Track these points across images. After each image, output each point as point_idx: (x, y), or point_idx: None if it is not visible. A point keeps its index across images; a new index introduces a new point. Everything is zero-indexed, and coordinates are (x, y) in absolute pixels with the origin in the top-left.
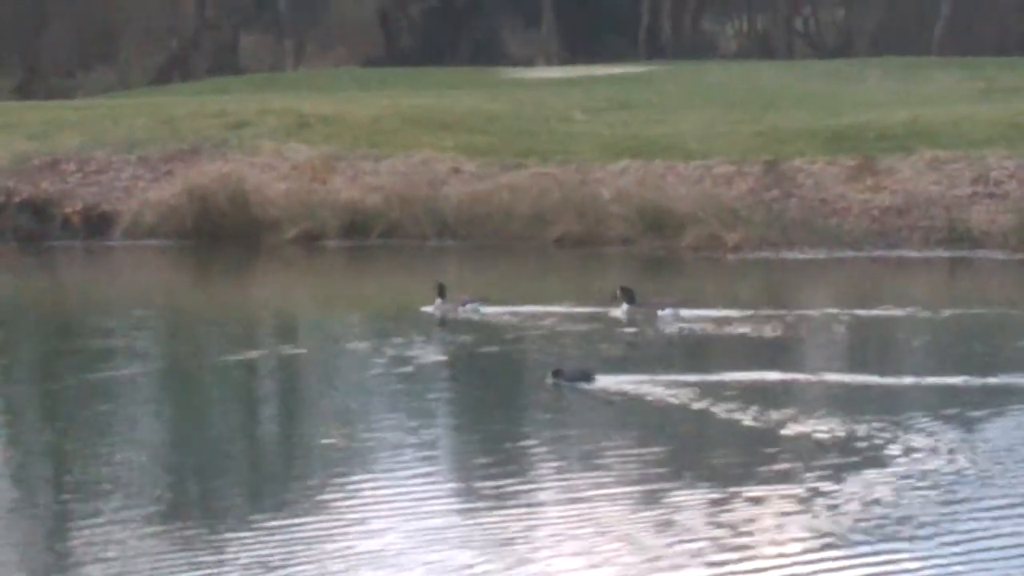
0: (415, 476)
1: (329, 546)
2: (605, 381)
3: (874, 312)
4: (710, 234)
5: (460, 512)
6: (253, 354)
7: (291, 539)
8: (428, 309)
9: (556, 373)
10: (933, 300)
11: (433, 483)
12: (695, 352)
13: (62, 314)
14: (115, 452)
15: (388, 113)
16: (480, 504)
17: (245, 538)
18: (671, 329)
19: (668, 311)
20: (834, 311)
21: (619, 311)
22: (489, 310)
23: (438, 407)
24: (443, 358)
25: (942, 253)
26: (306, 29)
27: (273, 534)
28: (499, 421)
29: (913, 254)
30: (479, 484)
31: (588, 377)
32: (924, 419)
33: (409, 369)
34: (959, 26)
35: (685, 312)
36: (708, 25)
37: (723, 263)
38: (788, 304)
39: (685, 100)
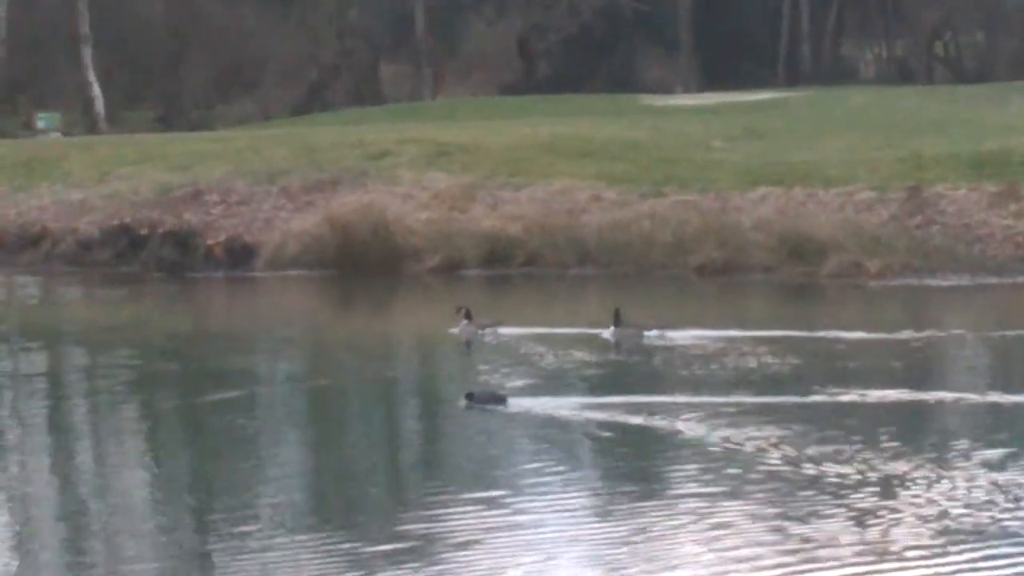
0: (544, 492)
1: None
2: (521, 403)
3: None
4: (852, 261)
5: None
6: (390, 375)
7: (420, 549)
8: (454, 331)
9: (469, 396)
10: None
11: (559, 497)
12: (654, 374)
13: (205, 342)
14: (257, 466)
15: (527, 142)
16: (608, 517)
17: (379, 549)
18: (656, 350)
19: (654, 332)
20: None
21: (607, 333)
22: (506, 332)
23: (564, 426)
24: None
25: None
26: (444, 57)
27: (400, 544)
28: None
29: None
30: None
31: (500, 400)
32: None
33: (542, 388)
34: None
35: (672, 333)
36: (847, 50)
37: (865, 290)
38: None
39: (825, 126)
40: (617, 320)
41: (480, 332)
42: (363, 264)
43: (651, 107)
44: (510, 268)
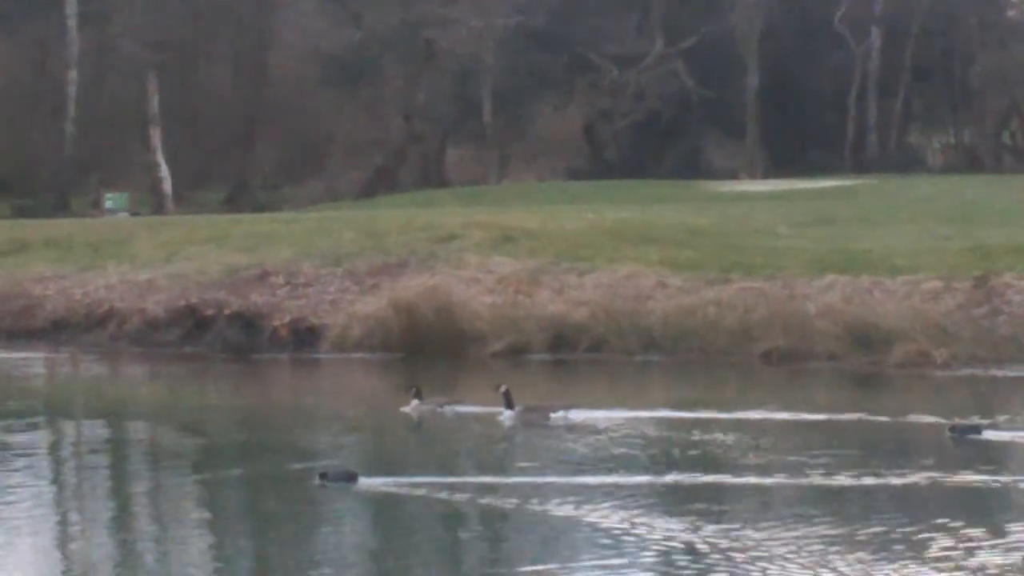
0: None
1: None
2: (372, 482)
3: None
4: (918, 350)
5: None
6: (453, 462)
7: None
8: (406, 409)
9: (323, 475)
10: None
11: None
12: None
13: (267, 424)
14: (315, 547)
15: (593, 227)
16: None
17: None
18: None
19: (559, 413)
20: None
21: (503, 416)
22: (463, 409)
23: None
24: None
25: None
26: (511, 141)
27: None
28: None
29: None
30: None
31: (351, 478)
32: None
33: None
34: None
35: (574, 415)
36: (914, 138)
37: (931, 379)
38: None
39: (891, 214)
40: (508, 403)
41: (439, 409)
42: (428, 347)
43: (717, 193)
44: (575, 353)
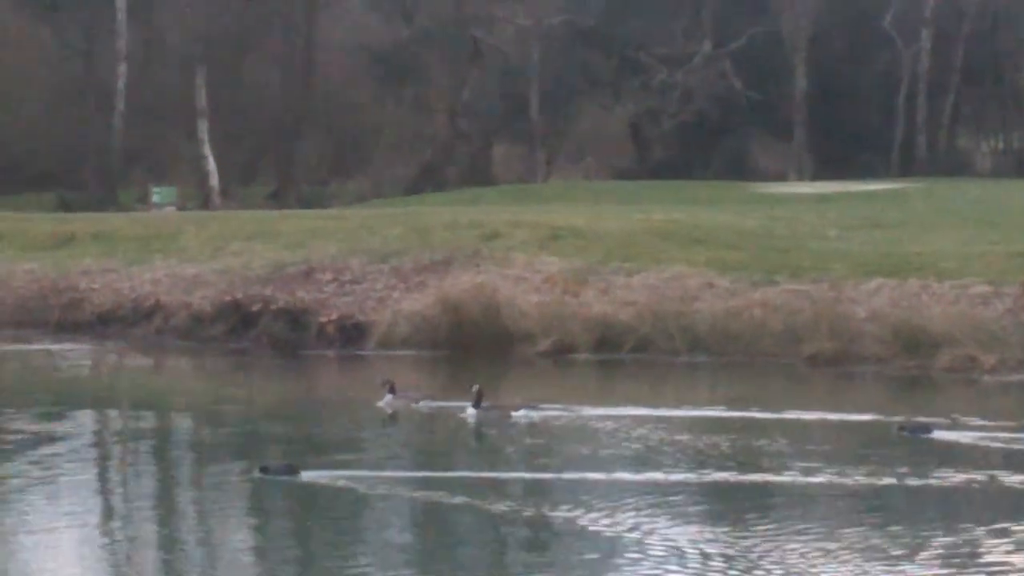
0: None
1: None
2: (313, 475)
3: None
4: (966, 355)
5: None
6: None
7: None
8: (380, 404)
9: (263, 468)
10: None
11: None
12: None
13: (308, 419)
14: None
15: (640, 227)
16: None
17: None
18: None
19: (521, 411)
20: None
21: (466, 413)
22: (434, 404)
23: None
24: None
25: None
26: (557, 140)
27: None
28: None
29: None
30: None
31: (293, 471)
32: None
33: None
34: None
35: (536, 413)
36: (963, 142)
37: (979, 385)
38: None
39: (940, 218)
40: (477, 401)
41: (414, 404)
42: (474, 346)
43: (764, 194)
44: (621, 353)
